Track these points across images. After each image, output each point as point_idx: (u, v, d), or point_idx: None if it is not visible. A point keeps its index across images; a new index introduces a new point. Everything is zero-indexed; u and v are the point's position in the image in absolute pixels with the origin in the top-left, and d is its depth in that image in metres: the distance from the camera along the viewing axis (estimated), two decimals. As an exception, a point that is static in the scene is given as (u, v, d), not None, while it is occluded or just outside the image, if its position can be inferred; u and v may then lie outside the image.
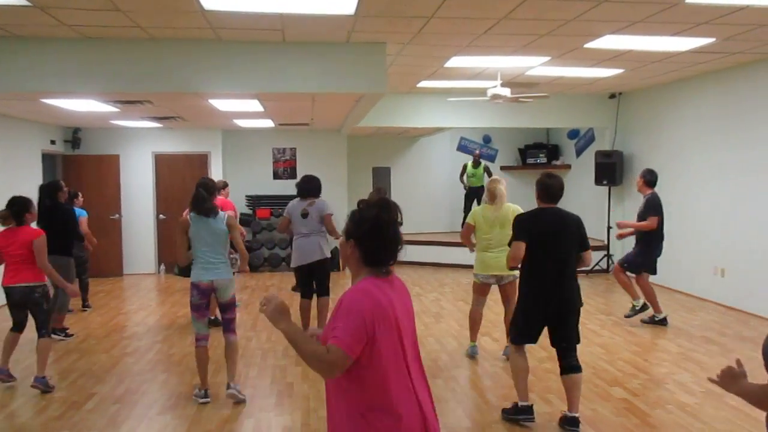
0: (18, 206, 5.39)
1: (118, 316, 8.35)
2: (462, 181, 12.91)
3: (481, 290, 6.16)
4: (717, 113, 8.59)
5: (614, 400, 5.04)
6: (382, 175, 14.00)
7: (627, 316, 7.47)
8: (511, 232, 5.76)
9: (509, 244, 4.58)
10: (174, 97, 7.62)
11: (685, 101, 9.26)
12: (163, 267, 11.92)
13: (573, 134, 13.23)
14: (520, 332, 4.58)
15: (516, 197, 13.09)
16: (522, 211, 5.87)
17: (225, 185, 8.48)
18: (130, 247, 11.66)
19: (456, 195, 13.84)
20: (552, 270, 4.41)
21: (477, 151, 12.99)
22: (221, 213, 5.12)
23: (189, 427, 4.63)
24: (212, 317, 7.51)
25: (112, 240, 11.22)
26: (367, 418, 2.14)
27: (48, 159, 10.85)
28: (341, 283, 9.63)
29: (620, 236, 7.76)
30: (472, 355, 6.25)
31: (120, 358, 6.39)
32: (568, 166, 13.35)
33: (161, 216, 11.92)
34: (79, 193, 8.41)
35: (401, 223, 2.29)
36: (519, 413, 4.59)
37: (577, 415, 4.44)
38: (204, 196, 5.05)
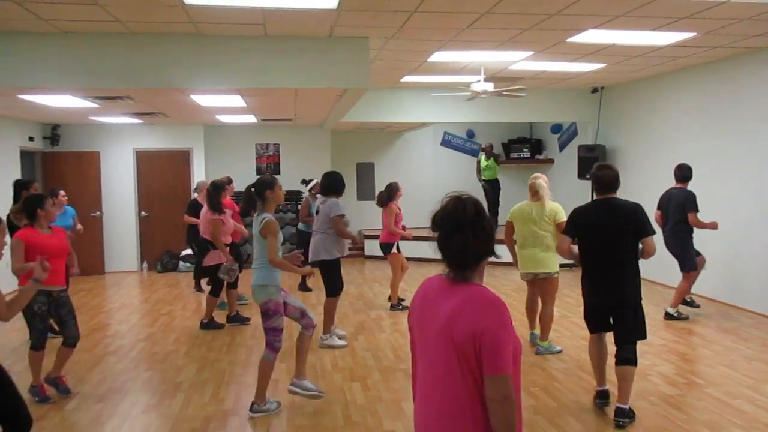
0: (30, 202, 5.05)
1: (100, 314, 8.27)
2: (480, 179, 12.78)
3: (527, 284, 6.27)
4: (698, 107, 8.67)
5: (598, 393, 5.07)
6: (366, 171, 13.98)
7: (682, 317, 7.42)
8: (545, 230, 5.85)
9: None
10: (155, 93, 7.53)
11: (667, 95, 9.33)
12: (145, 264, 11.81)
13: (556, 129, 13.29)
14: (587, 321, 4.72)
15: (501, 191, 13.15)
16: (557, 208, 5.91)
17: (230, 181, 8.39)
18: (112, 244, 11.54)
19: (440, 190, 13.82)
20: (604, 261, 4.41)
21: (486, 144, 12.96)
22: (261, 215, 4.72)
23: (173, 425, 4.59)
24: (231, 314, 7.51)
25: (93, 238, 11.08)
26: None
27: (26, 156, 10.69)
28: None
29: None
30: (532, 342, 6.22)
31: (102, 356, 6.32)
32: (551, 161, 13.42)
33: (143, 213, 11.81)
34: (61, 191, 7.55)
35: (479, 230, 2.04)
36: (596, 397, 4.75)
37: (626, 406, 4.39)
38: (250, 194, 4.82)
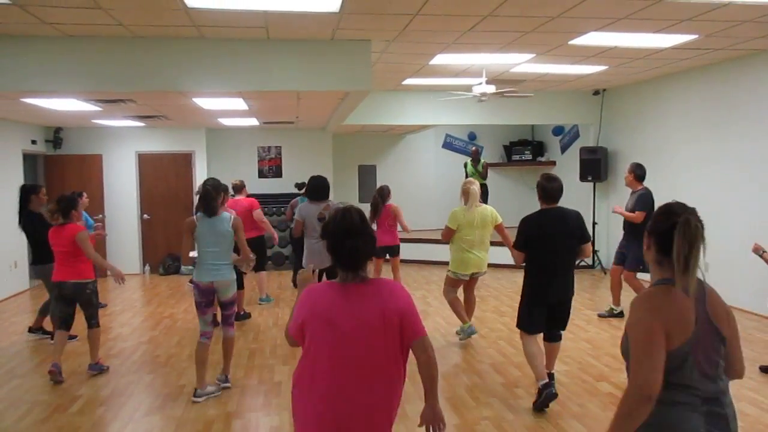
0: (65, 202, 5.65)
1: (102, 317, 8.17)
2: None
3: (456, 284, 6.58)
4: (700, 109, 8.67)
5: (601, 395, 5.07)
6: (368, 173, 14.00)
7: (600, 315, 7.70)
8: (489, 233, 6.35)
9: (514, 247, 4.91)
10: (157, 96, 7.55)
11: (669, 97, 9.33)
12: (147, 267, 11.82)
13: (558, 131, 13.30)
14: (528, 323, 4.88)
15: (501, 193, 13.28)
16: (496, 213, 6.37)
17: (243, 185, 8.45)
18: (114, 247, 11.53)
19: (442, 193, 13.88)
20: (554, 266, 4.74)
21: (474, 148, 12.86)
22: (226, 214, 5.11)
23: (176, 428, 4.59)
24: (240, 312, 7.58)
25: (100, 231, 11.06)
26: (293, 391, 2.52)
27: (29, 159, 10.72)
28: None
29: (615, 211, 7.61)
30: (469, 334, 6.53)
31: (105, 359, 6.30)
32: (553, 163, 13.42)
33: (145, 216, 11.82)
34: (84, 193, 7.99)
35: (366, 235, 2.40)
36: (541, 393, 4.77)
37: (553, 371, 5.10)
38: (212, 195, 5.02)
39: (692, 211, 2.13)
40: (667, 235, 2.10)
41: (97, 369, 5.87)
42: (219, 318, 5.63)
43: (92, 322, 5.84)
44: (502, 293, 9.18)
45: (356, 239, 2.36)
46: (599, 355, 6.11)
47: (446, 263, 6.81)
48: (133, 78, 6.32)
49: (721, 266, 8.18)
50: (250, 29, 6.04)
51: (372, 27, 6.03)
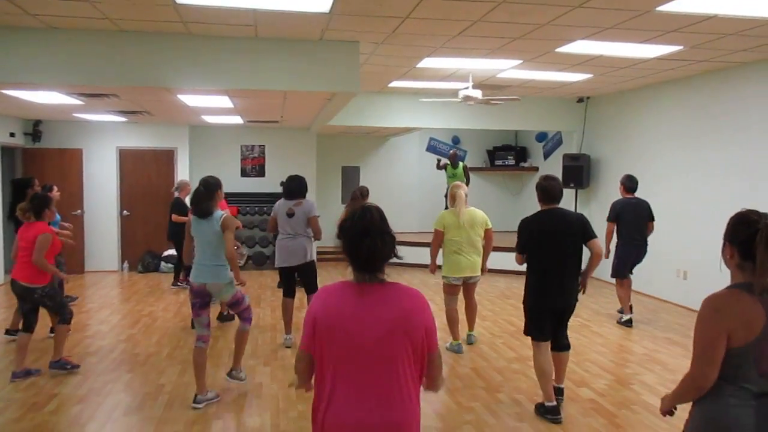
0: (38, 201, 5.62)
1: (79, 314, 8.12)
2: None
3: (452, 290, 6.43)
4: (682, 118, 8.79)
5: (581, 401, 5.11)
6: (351, 175, 13.97)
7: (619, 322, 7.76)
8: (479, 235, 6.23)
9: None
10: (141, 92, 7.45)
11: (652, 106, 9.45)
12: (126, 264, 11.67)
13: (541, 137, 13.40)
14: (534, 328, 4.75)
15: (484, 198, 13.29)
16: (485, 216, 6.33)
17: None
18: (93, 243, 11.39)
19: (425, 195, 13.91)
20: (556, 269, 4.59)
21: (452, 151, 12.76)
22: (216, 214, 4.89)
23: (155, 428, 4.53)
24: (224, 312, 7.69)
25: (74, 236, 10.88)
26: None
27: (7, 152, 10.53)
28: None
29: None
30: (457, 351, 6.41)
31: (82, 357, 6.21)
32: (536, 169, 13.52)
33: (125, 212, 11.67)
34: (54, 186, 8.00)
35: (386, 234, 2.23)
36: (546, 412, 4.70)
37: (562, 385, 4.98)
38: (201, 195, 4.88)
39: None
40: (748, 242, 2.23)
41: (58, 366, 5.68)
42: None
43: (58, 319, 5.76)
44: (484, 297, 9.19)
45: (375, 238, 2.19)
46: (580, 361, 6.15)
47: (427, 266, 6.80)
48: (119, 73, 6.23)
49: (699, 275, 8.31)
50: (238, 27, 5.99)
51: (361, 29, 6.02)
